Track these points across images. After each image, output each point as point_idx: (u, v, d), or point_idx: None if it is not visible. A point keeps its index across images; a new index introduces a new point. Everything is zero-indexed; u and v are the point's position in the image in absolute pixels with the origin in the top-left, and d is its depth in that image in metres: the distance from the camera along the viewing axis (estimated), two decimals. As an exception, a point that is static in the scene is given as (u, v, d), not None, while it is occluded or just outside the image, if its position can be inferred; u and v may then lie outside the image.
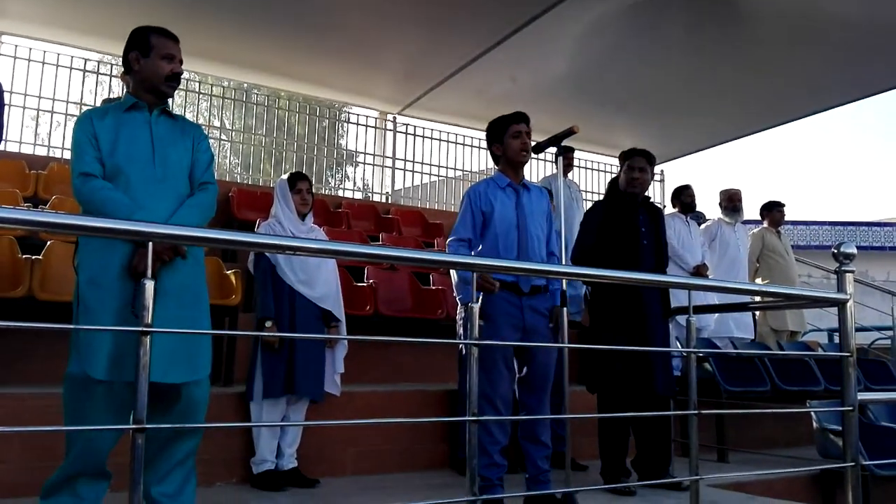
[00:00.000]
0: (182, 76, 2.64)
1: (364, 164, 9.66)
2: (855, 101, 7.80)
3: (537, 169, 9.92)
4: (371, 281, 5.28)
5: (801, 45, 6.53)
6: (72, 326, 2.46)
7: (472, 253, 3.25)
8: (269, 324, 3.48)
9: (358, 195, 10.57)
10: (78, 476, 2.41)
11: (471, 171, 9.71)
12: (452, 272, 4.27)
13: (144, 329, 1.71)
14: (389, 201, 9.02)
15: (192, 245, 2.47)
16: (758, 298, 4.50)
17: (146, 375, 1.68)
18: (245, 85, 9.39)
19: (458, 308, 4.21)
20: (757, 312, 6.31)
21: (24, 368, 3.74)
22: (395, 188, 9.38)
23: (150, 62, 2.54)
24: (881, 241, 14.63)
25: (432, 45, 7.02)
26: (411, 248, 6.44)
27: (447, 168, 9.66)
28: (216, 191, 2.66)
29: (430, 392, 4.29)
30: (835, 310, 3.21)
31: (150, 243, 1.74)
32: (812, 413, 4.58)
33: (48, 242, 3.98)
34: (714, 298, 4.99)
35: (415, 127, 9.36)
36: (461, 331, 4.20)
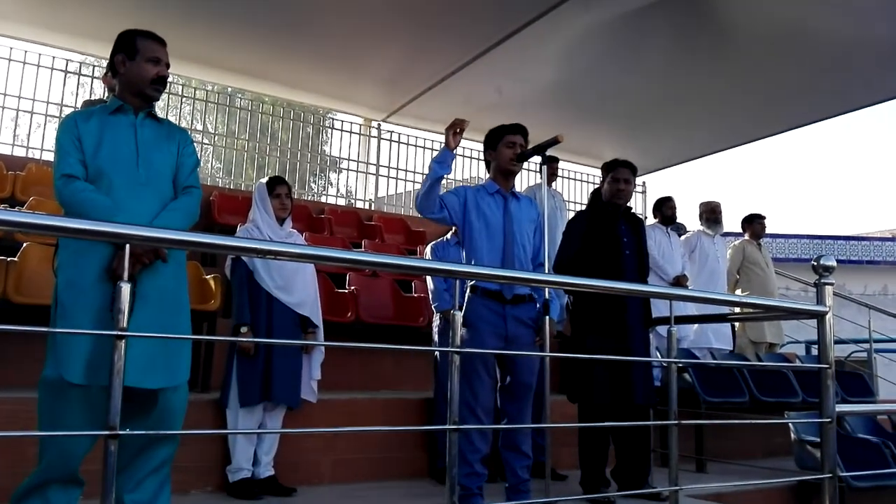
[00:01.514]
0: (168, 80, 2.62)
1: (348, 170, 9.63)
2: (835, 116, 7.91)
3: (521, 178, 9.95)
4: (353, 287, 5.26)
5: (783, 60, 6.61)
6: (47, 329, 2.42)
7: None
8: (244, 329, 3.44)
9: (341, 202, 10.53)
10: (49, 483, 2.36)
11: (455, 180, 9.71)
12: (428, 280, 4.27)
13: (119, 333, 1.68)
14: (373, 208, 9.00)
15: (172, 248, 2.44)
16: (738, 309, 4.53)
17: (120, 380, 1.65)
18: (229, 89, 9.34)
19: (435, 316, 4.20)
20: (736, 324, 6.36)
21: (-4, 372, 3.67)
22: (379, 195, 9.36)
23: (135, 65, 2.53)
24: (858, 255, 14.81)
25: (418, 53, 7.03)
26: (394, 255, 6.42)
27: (431, 176, 9.64)
28: (200, 195, 2.64)
29: (410, 400, 4.26)
30: (812, 322, 3.24)
31: (128, 245, 1.72)
32: (790, 424, 4.62)
33: (24, 244, 3.91)
34: (693, 309, 5.02)
35: (399, 134, 9.36)
36: (437, 338, 4.19)
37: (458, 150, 9.53)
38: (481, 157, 3.59)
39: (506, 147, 3.31)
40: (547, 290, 3.23)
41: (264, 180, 3.73)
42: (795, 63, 6.66)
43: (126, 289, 1.64)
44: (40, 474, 2.36)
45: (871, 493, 4.20)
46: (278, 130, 9.46)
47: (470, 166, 9.79)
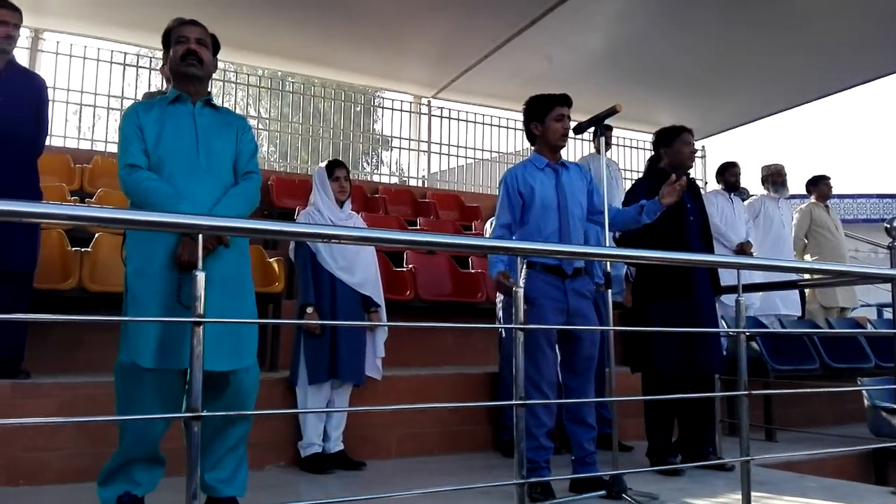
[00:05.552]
0: (197, 53, 2.59)
1: (399, 148, 9.66)
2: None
3: (574, 148, 9.81)
4: (411, 266, 5.30)
5: (842, 14, 6.32)
6: (119, 319, 2.51)
7: (513, 237, 3.22)
8: (310, 310, 3.52)
9: (394, 180, 10.59)
10: (133, 462, 2.47)
11: (506, 153, 9.64)
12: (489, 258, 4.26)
13: (197, 320, 1.74)
14: (426, 185, 9.01)
15: (241, 236, 2.50)
16: (807, 275, 4.39)
17: (200, 364, 1.71)
18: (279, 73, 9.44)
19: (498, 292, 4.20)
20: (806, 290, 6.18)
21: (75, 358, 3.84)
22: (431, 172, 9.36)
23: (171, 52, 2.63)
24: (931, 214, 14.13)
25: (465, 27, 6.95)
26: (449, 232, 6.44)
27: (483, 150, 9.61)
28: (260, 180, 2.69)
29: (473, 375, 4.29)
30: (884, 284, 3.12)
31: (200, 235, 1.77)
32: (863, 391, 4.48)
33: (96, 234, 4.07)
34: (759, 276, 4.89)
35: (449, 110, 9.32)
36: (501, 314, 4.20)
37: (508, 124, 9.54)
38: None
39: (555, 121, 3.22)
40: (608, 261, 3.19)
41: (323, 164, 3.78)
42: (856, 17, 6.35)
43: (201, 277, 1.69)
44: (122, 455, 2.47)
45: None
46: (330, 112, 9.54)
47: (522, 140, 9.68)
